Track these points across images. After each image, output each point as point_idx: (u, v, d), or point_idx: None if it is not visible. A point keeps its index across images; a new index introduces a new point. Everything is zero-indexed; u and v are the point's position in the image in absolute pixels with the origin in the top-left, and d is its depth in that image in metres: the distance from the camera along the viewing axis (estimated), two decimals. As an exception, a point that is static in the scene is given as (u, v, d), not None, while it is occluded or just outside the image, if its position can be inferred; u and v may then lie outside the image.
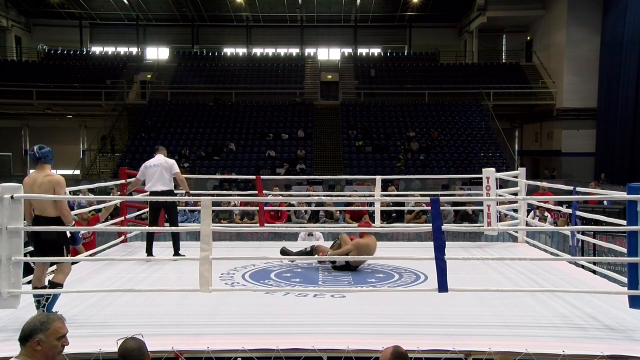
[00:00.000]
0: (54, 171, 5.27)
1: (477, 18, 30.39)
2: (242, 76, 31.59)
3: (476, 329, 4.87)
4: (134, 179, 8.27)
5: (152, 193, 7.77)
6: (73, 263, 7.22)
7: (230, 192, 14.05)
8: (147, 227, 8.78)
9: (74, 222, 5.27)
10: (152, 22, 35.57)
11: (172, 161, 8.00)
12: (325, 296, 5.80)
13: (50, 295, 5.00)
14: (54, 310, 4.90)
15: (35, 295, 5.02)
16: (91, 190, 13.61)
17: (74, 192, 11.16)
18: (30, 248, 5.43)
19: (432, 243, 4.98)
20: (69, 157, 30.92)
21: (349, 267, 7.04)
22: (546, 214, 11.35)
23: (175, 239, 7.87)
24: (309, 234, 9.65)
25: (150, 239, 7.87)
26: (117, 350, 3.12)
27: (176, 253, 7.72)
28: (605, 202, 9.70)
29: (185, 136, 26.55)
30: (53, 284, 5.13)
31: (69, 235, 5.20)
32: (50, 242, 5.07)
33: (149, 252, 7.80)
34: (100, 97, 29.10)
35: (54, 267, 5.41)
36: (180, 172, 8.15)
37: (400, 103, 29.04)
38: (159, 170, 7.78)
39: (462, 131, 26.49)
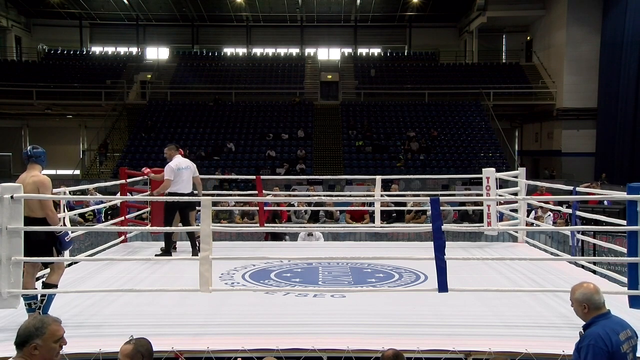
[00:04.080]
0: (50, 171, 5.22)
1: (477, 18, 30.39)
2: (242, 76, 31.58)
3: (476, 329, 4.88)
4: (164, 180, 7.84)
5: (177, 195, 7.68)
6: (72, 263, 7.26)
7: (230, 192, 14.04)
8: (147, 227, 8.80)
9: (60, 224, 5.21)
10: (152, 22, 35.56)
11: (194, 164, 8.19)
12: (325, 296, 5.80)
13: (45, 297, 4.93)
14: (49, 312, 4.85)
15: (25, 300, 4.93)
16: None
17: (75, 192, 11.15)
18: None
19: (432, 243, 4.97)
20: (69, 157, 30.92)
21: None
22: (540, 212, 11.35)
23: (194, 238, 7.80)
24: (309, 234, 9.66)
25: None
26: (132, 349, 3.15)
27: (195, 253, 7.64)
28: (605, 202, 9.69)
29: (185, 136, 26.54)
30: (47, 285, 5.06)
31: (57, 236, 5.08)
32: (39, 243, 4.97)
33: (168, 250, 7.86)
34: (100, 97, 29.09)
35: (46, 270, 5.34)
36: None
37: (400, 103, 29.03)
38: (189, 174, 7.92)
39: (462, 131, 26.49)
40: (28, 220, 4.95)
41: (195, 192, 8.13)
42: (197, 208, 8.12)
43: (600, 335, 3.32)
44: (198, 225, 7.88)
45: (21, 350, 2.90)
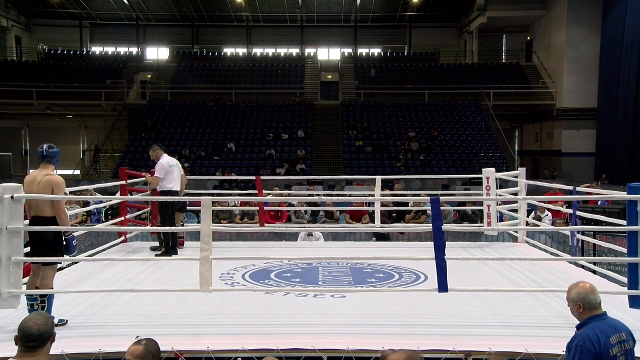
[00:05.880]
0: (60, 171, 5.18)
1: (477, 18, 30.39)
2: (242, 76, 31.58)
3: (476, 329, 4.88)
4: (154, 177, 7.90)
5: (172, 193, 7.83)
6: (73, 263, 7.25)
7: (231, 192, 14.03)
8: (147, 227, 8.79)
9: (69, 225, 5.18)
10: (152, 22, 35.55)
11: None
12: (325, 296, 5.80)
13: (45, 301, 4.89)
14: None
15: (29, 300, 4.92)
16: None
17: (76, 192, 11.14)
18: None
19: (432, 243, 4.98)
20: (69, 157, 30.86)
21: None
22: (538, 213, 11.33)
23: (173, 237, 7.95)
24: (309, 233, 9.65)
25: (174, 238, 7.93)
26: (144, 350, 3.15)
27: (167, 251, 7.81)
28: (598, 202, 9.66)
29: (185, 136, 26.55)
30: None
31: (64, 239, 5.08)
32: (46, 242, 4.95)
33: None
34: (100, 97, 29.09)
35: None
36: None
37: (400, 103, 29.03)
38: (178, 171, 8.08)
39: (462, 131, 26.49)
40: (37, 219, 4.95)
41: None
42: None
43: (589, 336, 3.33)
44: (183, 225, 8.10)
45: (43, 347, 2.91)
